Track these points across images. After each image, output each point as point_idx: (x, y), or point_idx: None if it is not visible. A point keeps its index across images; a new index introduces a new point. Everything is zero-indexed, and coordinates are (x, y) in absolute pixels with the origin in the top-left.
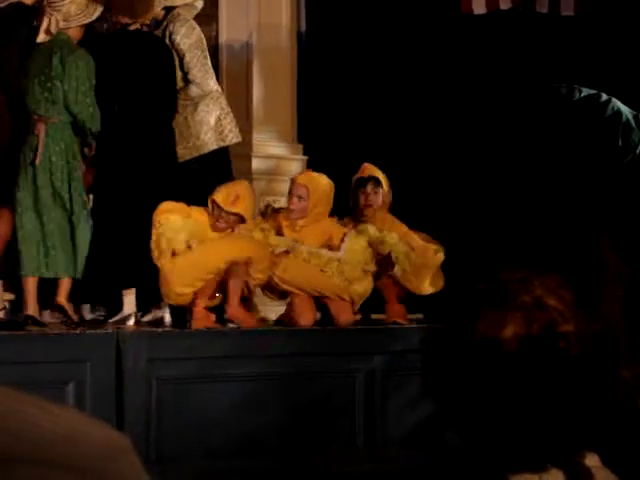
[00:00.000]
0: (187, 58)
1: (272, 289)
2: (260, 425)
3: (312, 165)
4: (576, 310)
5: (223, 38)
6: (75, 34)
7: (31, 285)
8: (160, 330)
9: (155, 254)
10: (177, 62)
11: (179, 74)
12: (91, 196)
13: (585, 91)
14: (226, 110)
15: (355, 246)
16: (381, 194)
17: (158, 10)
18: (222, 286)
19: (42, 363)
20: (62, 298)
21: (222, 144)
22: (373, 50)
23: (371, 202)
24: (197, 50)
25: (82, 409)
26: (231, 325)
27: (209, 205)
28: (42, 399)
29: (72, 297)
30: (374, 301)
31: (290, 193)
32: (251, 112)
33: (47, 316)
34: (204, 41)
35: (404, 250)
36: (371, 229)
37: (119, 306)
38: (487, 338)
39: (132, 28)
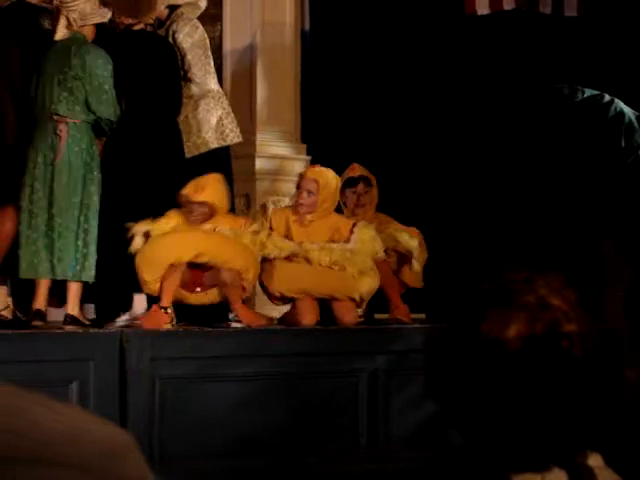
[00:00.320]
0: (188, 57)
1: (276, 298)
2: (263, 424)
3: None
4: (580, 310)
5: (227, 38)
6: (89, 34)
7: (44, 287)
8: (163, 330)
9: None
10: (179, 60)
11: (180, 73)
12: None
13: (588, 92)
14: (227, 110)
15: (365, 236)
16: (371, 194)
17: (162, 9)
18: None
19: (45, 362)
20: (74, 303)
21: (223, 143)
22: (377, 50)
23: (363, 202)
24: (199, 49)
25: (85, 408)
26: (235, 325)
27: (181, 201)
28: (46, 397)
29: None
30: (377, 301)
31: (299, 187)
32: (255, 112)
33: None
34: (207, 41)
35: (416, 245)
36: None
37: (125, 307)
38: (491, 338)
39: (136, 28)
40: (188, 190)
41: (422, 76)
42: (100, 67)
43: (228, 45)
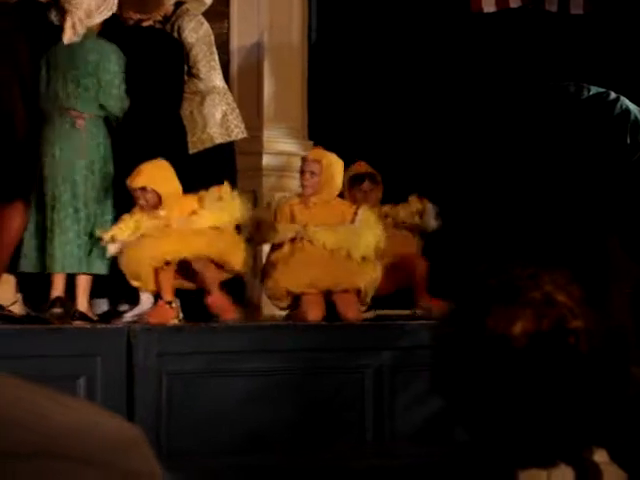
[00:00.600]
0: (193, 52)
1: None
2: (269, 420)
3: None
4: (585, 306)
5: (234, 35)
6: (97, 29)
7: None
8: (171, 325)
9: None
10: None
11: (185, 68)
12: None
13: (593, 89)
14: (232, 105)
15: (370, 217)
16: (376, 190)
17: (168, 5)
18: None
19: (53, 357)
20: (83, 297)
21: (228, 139)
22: (383, 48)
23: (369, 199)
24: (204, 45)
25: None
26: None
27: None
28: (53, 391)
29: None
30: (382, 297)
31: (302, 171)
32: (262, 109)
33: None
34: (212, 37)
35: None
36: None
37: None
38: (497, 334)
39: (146, 24)
40: (128, 178)
41: (428, 74)
42: (112, 62)
43: (235, 42)
